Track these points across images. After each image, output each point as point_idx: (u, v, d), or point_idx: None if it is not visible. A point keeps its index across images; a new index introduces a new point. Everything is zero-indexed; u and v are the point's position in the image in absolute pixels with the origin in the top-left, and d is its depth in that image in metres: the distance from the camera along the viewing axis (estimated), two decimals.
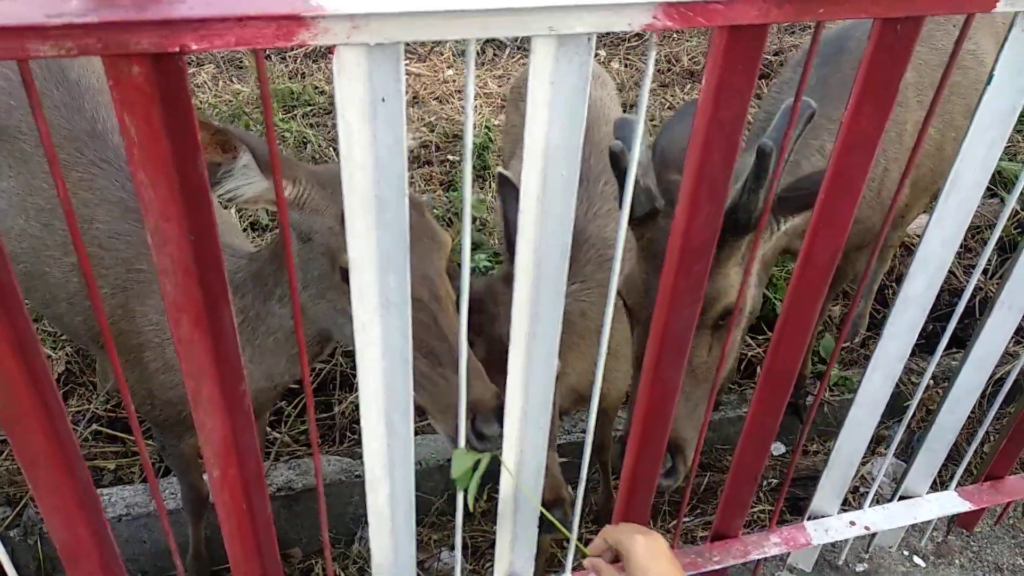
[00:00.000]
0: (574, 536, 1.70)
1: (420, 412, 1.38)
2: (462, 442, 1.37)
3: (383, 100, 0.98)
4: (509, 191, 1.73)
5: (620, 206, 1.21)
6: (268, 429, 2.66)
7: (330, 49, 0.94)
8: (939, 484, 2.17)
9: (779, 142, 1.43)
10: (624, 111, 4.10)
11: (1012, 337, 1.78)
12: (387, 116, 0.99)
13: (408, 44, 1.02)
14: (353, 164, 1.02)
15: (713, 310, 1.63)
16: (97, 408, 2.72)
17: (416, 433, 1.41)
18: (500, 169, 1.76)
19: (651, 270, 1.64)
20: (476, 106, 4.09)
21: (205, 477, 2.20)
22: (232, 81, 4.11)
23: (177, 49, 0.87)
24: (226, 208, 2.95)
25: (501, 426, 1.39)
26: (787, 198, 1.61)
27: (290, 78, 4.15)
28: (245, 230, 3.26)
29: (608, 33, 4.96)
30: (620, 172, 1.55)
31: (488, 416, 1.39)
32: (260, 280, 1.64)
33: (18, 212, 1.88)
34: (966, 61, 2.40)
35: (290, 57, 4.28)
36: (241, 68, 4.21)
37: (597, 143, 2.29)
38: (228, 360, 1.13)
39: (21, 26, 0.81)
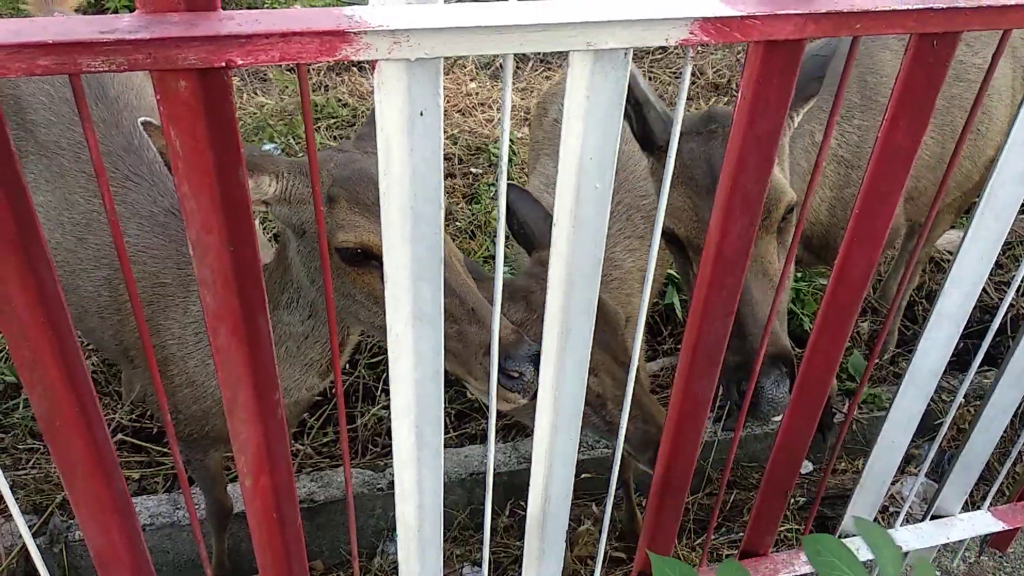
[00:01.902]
0: (600, 553, 1.69)
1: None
2: (494, 394, 1.31)
3: (421, 114, 1.00)
4: (516, 193, 1.87)
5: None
6: (291, 441, 2.66)
7: (370, 64, 0.95)
8: (971, 504, 2.13)
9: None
10: None
11: None
12: (425, 129, 1.00)
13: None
14: (391, 177, 1.03)
15: (777, 211, 1.64)
16: (122, 418, 2.75)
17: None
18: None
19: (692, 192, 1.67)
20: (499, 119, 4.11)
21: (229, 490, 2.22)
22: (256, 94, 4.16)
23: (223, 64, 0.89)
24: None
25: (535, 362, 1.34)
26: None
27: (313, 91, 4.20)
28: (269, 240, 3.29)
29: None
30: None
31: (514, 354, 1.35)
32: (268, 289, 1.63)
33: (54, 226, 1.91)
34: (971, 75, 2.38)
35: (313, 70, 4.33)
36: (265, 81, 4.27)
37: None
38: (264, 369, 1.14)
39: (74, 41, 0.83)
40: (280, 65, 4.52)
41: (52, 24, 0.86)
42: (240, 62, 0.90)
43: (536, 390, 1.35)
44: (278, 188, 1.43)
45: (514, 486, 2.58)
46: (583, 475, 2.55)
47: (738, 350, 1.55)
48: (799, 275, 3.06)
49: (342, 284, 1.50)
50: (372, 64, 0.95)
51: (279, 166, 1.44)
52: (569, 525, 2.53)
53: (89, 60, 0.86)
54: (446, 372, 1.26)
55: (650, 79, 4.50)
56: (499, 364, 1.31)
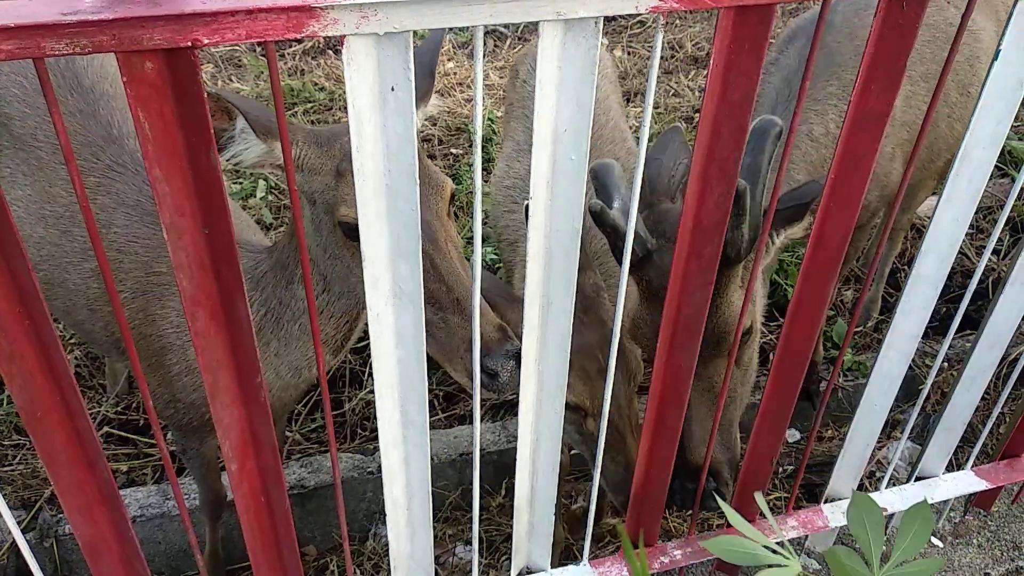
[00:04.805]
0: (589, 527, 1.70)
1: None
2: (477, 386, 1.33)
3: (392, 89, 0.99)
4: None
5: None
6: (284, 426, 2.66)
7: (339, 40, 0.94)
8: (955, 466, 2.16)
9: (754, 164, 1.48)
10: (628, 100, 4.10)
11: None
12: (397, 105, 1.00)
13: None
14: (364, 153, 1.02)
15: (728, 340, 1.62)
16: (108, 411, 2.73)
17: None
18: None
19: (656, 310, 1.60)
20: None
21: (224, 479, 2.22)
22: (231, 80, 4.12)
23: (189, 44, 0.88)
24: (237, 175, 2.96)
25: (516, 360, 1.37)
26: (777, 211, 1.60)
27: (289, 75, 4.16)
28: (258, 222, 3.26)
29: (613, 19, 4.90)
30: (606, 229, 1.53)
31: (495, 353, 1.36)
32: (281, 267, 1.66)
33: (36, 220, 1.89)
34: (963, 38, 2.38)
35: (289, 54, 4.29)
36: (240, 67, 4.22)
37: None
38: (244, 352, 1.14)
39: (36, 24, 0.82)
40: (254, 49, 4.45)
41: (13, 7, 0.85)
42: (206, 41, 0.89)
43: (514, 389, 1.38)
44: (292, 155, 1.41)
45: (504, 465, 2.59)
46: (574, 451, 2.57)
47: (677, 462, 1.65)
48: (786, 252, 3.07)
49: (343, 258, 1.51)
50: (341, 40, 0.94)
51: (296, 133, 1.44)
52: (564, 502, 2.56)
53: (53, 43, 0.84)
54: (429, 356, 1.28)
55: (628, 53, 4.49)
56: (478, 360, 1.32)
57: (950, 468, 2.10)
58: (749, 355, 1.78)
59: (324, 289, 1.62)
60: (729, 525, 1.90)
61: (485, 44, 4.52)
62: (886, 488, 2.03)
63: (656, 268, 1.61)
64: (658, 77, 4.27)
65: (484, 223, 3.35)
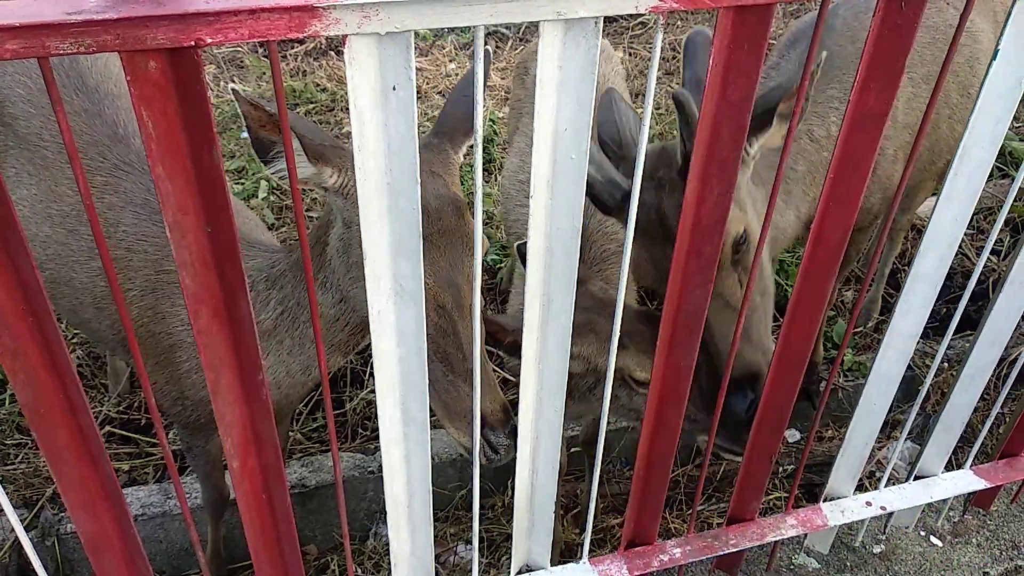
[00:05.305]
0: (589, 526, 1.71)
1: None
2: (476, 452, 1.41)
3: (394, 88, 1.00)
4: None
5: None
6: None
7: (340, 41, 0.95)
8: (955, 465, 2.17)
9: (697, 76, 1.59)
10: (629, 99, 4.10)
11: None
12: (398, 104, 1.00)
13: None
14: (365, 152, 1.03)
15: (724, 249, 1.64)
16: (109, 410, 2.74)
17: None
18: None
19: (649, 245, 1.70)
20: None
21: (227, 478, 2.23)
22: (233, 80, 4.13)
23: (192, 43, 0.89)
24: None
25: (512, 437, 1.45)
26: None
27: (292, 76, 4.17)
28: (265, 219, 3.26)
29: (615, 20, 4.88)
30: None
31: (497, 428, 1.44)
32: (301, 268, 1.65)
33: (42, 219, 1.89)
34: (963, 39, 2.39)
35: (291, 56, 4.30)
36: (242, 68, 4.23)
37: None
38: (246, 350, 1.15)
39: (41, 24, 0.82)
40: (256, 50, 4.45)
41: (18, 6, 0.86)
42: (209, 40, 0.89)
43: (509, 459, 1.48)
44: (339, 182, 1.43)
45: (505, 464, 2.60)
46: (572, 450, 2.58)
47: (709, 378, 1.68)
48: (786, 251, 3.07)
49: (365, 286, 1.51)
50: (343, 40, 0.95)
51: (345, 160, 1.43)
52: (570, 501, 2.56)
53: (57, 42, 0.85)
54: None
55: (630, 55, 4.50)
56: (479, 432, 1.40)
57: (949, 467, 2.11)
58: (759, 263, 1.79)
59: (341, 299, 1.62)
60: (729, 523, 1.91)
61: (486, 45, 4.52)
62: (885, 487, 2.04)
63: (639, 208, 1.65)
64: (659, 78, 4.28)
65: (485, 224, 3.37)
